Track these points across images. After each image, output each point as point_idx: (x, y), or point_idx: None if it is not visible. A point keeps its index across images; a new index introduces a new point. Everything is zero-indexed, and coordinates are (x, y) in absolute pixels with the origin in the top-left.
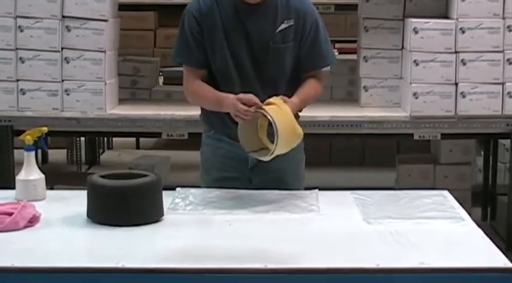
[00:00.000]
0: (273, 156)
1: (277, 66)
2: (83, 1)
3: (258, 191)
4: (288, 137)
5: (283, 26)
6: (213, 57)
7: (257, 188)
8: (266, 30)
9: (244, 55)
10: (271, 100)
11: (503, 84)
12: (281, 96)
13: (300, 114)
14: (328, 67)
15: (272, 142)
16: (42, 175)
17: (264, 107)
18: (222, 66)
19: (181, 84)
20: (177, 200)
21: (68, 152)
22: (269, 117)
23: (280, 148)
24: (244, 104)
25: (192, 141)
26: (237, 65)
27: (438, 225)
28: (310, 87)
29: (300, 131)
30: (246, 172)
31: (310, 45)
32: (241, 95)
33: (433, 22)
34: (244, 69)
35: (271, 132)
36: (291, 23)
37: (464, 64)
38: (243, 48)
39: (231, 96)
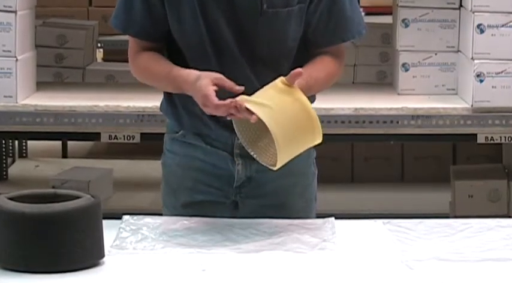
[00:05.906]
0: (282, 164)
1: (274, 41)
2: None
3: (246, 220)
4: (294, 134)
5: None
6: (179, 29)
7: (246, 217)
8: None
9: (224, 25)
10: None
11: None
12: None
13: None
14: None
15: None
16: None
17: (250, 104)
18: (192, 41)
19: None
20: (124, 234)
21: None
22: (264, 120)
23: (285, 155)
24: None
25: (147, 147)
26: (214, 40)
27: None
28: (321, 67)
29: (314, 115)
30: (230, 193)
31: (327, 9)
32: (219, 77)
33: None
34: (225, 45)
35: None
36: None
37: None
38: (222, 15)
39: (196, 74)
